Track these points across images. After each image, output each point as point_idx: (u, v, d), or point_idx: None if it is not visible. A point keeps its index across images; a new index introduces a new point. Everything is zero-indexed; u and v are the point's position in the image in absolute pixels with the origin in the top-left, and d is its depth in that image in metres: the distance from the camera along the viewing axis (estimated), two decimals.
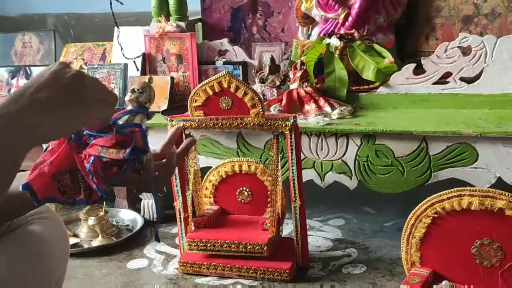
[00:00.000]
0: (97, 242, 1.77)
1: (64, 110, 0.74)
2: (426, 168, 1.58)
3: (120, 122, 0.93)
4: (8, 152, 0.71)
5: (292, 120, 1.47)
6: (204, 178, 1.70)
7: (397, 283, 1.44)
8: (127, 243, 1.78)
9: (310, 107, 1.73)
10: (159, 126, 1.78)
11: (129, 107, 1.07)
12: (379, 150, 1.61)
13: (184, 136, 1.55)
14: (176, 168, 1.54)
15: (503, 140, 1.50)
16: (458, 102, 1.71)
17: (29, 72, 2.22)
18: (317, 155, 1.67)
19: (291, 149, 1.48)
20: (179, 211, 1.62)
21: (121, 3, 2.00)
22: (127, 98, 1.06)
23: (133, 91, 1.05)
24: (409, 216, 1.34)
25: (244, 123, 1.49)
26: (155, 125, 1.79)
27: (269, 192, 1.56)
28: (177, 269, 1.59)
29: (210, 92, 1.50)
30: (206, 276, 1.55)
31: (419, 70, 1.76)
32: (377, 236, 1.76)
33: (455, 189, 1.28)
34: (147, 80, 1.03)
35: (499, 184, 1.55)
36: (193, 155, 1.59)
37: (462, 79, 1.71)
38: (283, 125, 1.47)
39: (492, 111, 1.66)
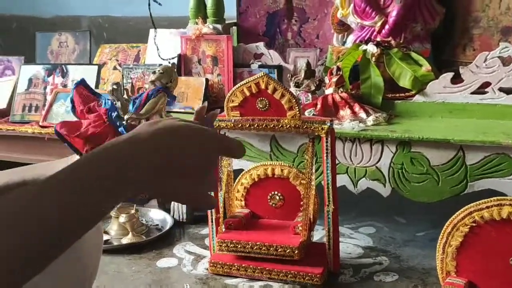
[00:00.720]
0: (127, 239, 1.78)
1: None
2: (462, 178, 1.56)
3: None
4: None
5: (328, 124, 1.46)
6: (236, 181, 1.70)
7: None
8: (156, 242, 1.78)
9: (345, 112, 1.72)
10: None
11: (151, 88, 1.08)
12: (414, 158, 1.60)
13: None
14: None
15: None
16: (496, 113, 1.68)
17: (65, 70, 2.25)
18: (351, 160, 1.66)
19: (327, 152, 1.48)
20: (211, 212, 1.61)
21: (159, 3, 2.02)
22: (149, 79, 1.08)
23: (154, 72, 1.06)
24: (446, 224, 1.32)
25: (280, 125, 1.48)
26: None
27: (302, 196, 1.55)
28: (207, 269, 1.59)
29: (247, 93, 1.50)
30: (236, 277, 1.54)
31: (456, 79, 1.74)
32: (408, 245, 1.74)
33: (494, 198, 1.26)
34: (170, 65, 1.05)
35: None
36: None
37: (501, 89, 1.68)
38: (320, 128, 1.46)
39: None
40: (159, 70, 0.99)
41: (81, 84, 1.32)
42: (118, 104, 1.30)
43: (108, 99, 1.31)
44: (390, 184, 1.64)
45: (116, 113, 1.22)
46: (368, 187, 1.67)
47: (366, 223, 1.91)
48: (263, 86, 1.48)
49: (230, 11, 2.23)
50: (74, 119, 1.45)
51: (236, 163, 1.74)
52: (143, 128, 0.67)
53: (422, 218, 1.91)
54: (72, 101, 1.34)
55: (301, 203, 1.54)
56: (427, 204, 1.87)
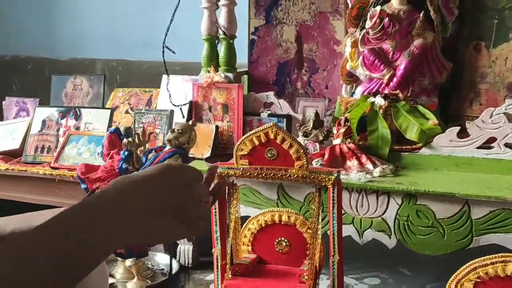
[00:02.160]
0: (132, 284, 1.78)
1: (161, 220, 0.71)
2: (467, 232, 1.57)
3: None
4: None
5: (335, 175, 1.48)
6: (244, 226, 1.71)
7: None
8: (162, 287, 1.78)
9: (352, 163, 1.74)
10: (203, 173, 1.81)
11: (168, 147, 1.12)
12: (420, 211, 1.61)
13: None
14: (217, 215, 1.58)
15: None
16: (502, 168, 1.70)
17: (78, 113, 2.30)
18: (357, 211, 1.68)
19: (333, 203, 1.49)
20: (217, 258, 1.62)
21: (173, 52, 2.07)
22: (167, 137, 1.11)
23: (173, 131, 1.09)
24: (450, 279, 1.32)
25: (288, 174, 1.51)
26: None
27: (308, 245, 1.56)
28: None
29: (256, 142, 1.53)
30: None
31: (462, 133, 1.77)
32: None
33: (499, 254, 1.26)
34: (190, 123, 1.07)
35: None
36: (234, 203, 1.61)
37: (506, 145, 1.71)
38: (327, 179, 1.48)
39: None
40: (178, 130, 1.02)
41: (114, 132, 1.40)
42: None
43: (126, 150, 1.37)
44: (396, 236, 1.65)
45: (126, 165, 1.27)
46: (374, 238, 1.68)
47: (371, 274, 1.91)
48: (272, 136, 1.51)
49: (242, 58, 2.28)
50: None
51: (244, 210, 1.76)
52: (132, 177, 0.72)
53: (427, 270, 1.91)
54: (103, 145, 1.44)
55: (307, 252, 1.55)
56: (432, 257, 1.88)
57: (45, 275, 0.63)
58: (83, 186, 1.43)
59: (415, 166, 1.79)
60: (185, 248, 1.95)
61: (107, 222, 0.68)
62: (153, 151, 1.32)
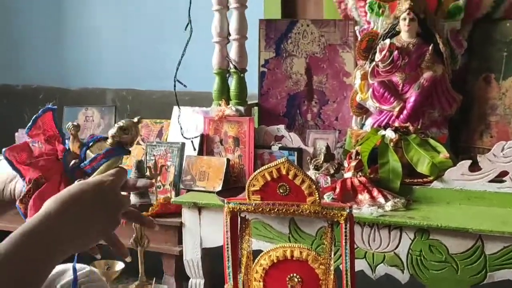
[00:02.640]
0: None
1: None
2: (481, 268, 1.56)
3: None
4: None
5: (348, 210, 1.48)
6: (255, 262, 1.70)
7: None
8: None
9: (364, 197, 1.74)
10: (215, 207, 1.81)
11: (108, 145, 1.10)
12: (433, 245, 1.60)
13: (239, 219, 1.58)
14: (229, 250, 1.58)
15: None
16: None
17: None
18: (369, 246, 1.67)
19: (346, 239, 1.48)
20: None
21: (185, 85, 2.09)
22: (110, 132, 1.09)
23: (119, 129, 1.08)
24: None
25: (300, 210, 1.50)
26: (210, 205, 1.83)
27: (320, 281, 1.55)
28: None
29: (268, 178, 1.53)
30: None
31: (474, 166, 1.77)
32: None
33: None
34: (136, 120, 1.06)
35: None
36: (246, 238, 1.61)
37: None
38: (339, 215, 1.48)
39: None
40: (123, 127, 1.01)
41: (53, 111, 1.30)
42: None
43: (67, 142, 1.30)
44: (409, 270, 1.64)
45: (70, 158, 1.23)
46: (386, 272, 1.67)
47: None
48: (284, 172, 1.51)
49: (252, 89, 2.30)
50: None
51: (255, 244, 1.76)
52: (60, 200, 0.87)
53: None
54: (34, 120, 1.31)
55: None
56: None
57: None
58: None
59: (426, 200, 1.78)
60: (196, 282, 1.95)
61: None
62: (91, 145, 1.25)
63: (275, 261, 1.70)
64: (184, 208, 1.92)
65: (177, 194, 2.10)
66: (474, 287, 1.58)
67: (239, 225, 1.61)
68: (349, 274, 1.50)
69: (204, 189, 1.98)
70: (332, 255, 1.55)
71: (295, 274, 1.68)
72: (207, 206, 1.86)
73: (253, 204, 1.56)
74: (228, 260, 1.60)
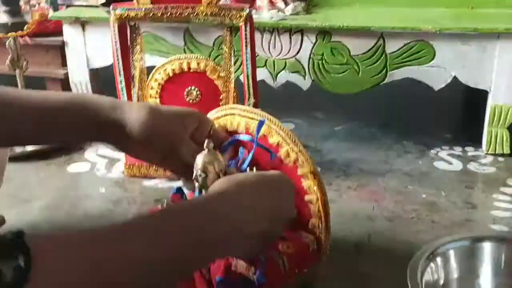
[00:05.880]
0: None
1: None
2: (382, 67, 1.54)
3: None
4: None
5: (247, 10, 1.36)
6: (150, 77, 1.58)
7: (352, 182, 1.42)
8: (65, 148, 1.66)
9: (262, 2, 1.63)
10: (100, 21, 1.64)
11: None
12: (334, 48, 1.55)
13: (129, 29, 1.43)
14: (119, 63, 1.44)
15: (462, 38, 1.47)
16: (414, 1, 1.66)
17: None
18: (270, 53, 1.59)
19: (246, 42, 1.39)
20: None
21: None
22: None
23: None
24: None
25: (196, 12, 1.37)
26: (95, 20, 1.65)
27: (221, 90, 1.48)
28: (123, 172, 1.50)
29: None
30: (154, 178, 1.47)
31: None
32: (328, 140, 1.72)
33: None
34: None
35: (454, 84, 1.54)
36: (138, 49, 1.47)
37: None
38: (238, 16, 1.36)
39: (449, 9, 1.62)
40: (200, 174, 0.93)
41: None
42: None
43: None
44: (310, 76, 1.59)
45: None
46: (288, 80, 1.62)
47: (284, 119, 1.87)
48: None
49: None
50: None
51: (148, 59, 1.63)
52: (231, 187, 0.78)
53: (338, 113, 1.90)
54: None
55: (220, 97, 1.47)
56: (342, 100, 1.87)
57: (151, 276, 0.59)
58: None
59: (327, 3, 1.70)
60: None
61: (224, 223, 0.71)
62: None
63: (171, 75, 1.58)
64: (65, 25, 1.71)
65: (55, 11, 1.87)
66: (375, 87, 1.57)
67: (129, 36, 1.46)
68: (250, 80, 1.42)
69: (87, 3, 1.76)
70: (233, 62, 1.45)
71: (193, 87, 1.59)
72: (91, 21, 1.67)
73: (143, 9, 1.40)
74: (120, 74, 1.46)
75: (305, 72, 1.59)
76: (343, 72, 1.56)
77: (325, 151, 1.64)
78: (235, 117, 1.05)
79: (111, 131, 0.93)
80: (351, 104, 1.94)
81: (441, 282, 0.89)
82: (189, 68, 1.55)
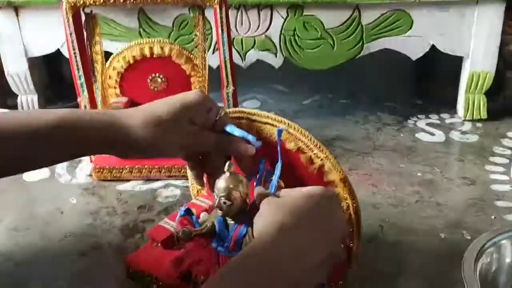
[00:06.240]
0: None
1: None
2: (358, 40, 1.46)
3: None
4: None
5: None
6: (107, 65, 1.42)
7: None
8: None
9: None
10: (36, 4, 1.44)
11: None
12: (307, 22, 1.45)
13: (84, 16, 1.25)
14: (77, 56, 1.27)
15: (440, 5, 1.41)
16: None
17: None
18: (237, 31, 1.47)
19: (222, 26, 1.26)
20: (85, 107, 1.34)
21: None
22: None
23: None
24: None
25: None
26: (31, 3, 1.45)
27: (190, 78, 1.35)
28: (90, 175, 1.35)
29: None
30: (129, 180, 1.33)
31: None
32: (300, 116, 1.64)
33: None
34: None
35: (432, 52, 1.50)
36: (97, 39, 1.30)
37: None
38: None
39: None
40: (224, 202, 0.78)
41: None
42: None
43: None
44: (282, 53, 1.49)
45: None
46: (258, 59, 1.51)
47: (246, 96, 1.77)
48: None
49: None
50: None
51: None
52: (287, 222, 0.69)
53: (303, 86, 1.82)
54: None
55: (194, 86, 1.34)
56: (304, 73, 1.77)
57: None
58: None
59: None
60: (27, 98, 1.62)
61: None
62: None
63: (131, 62, 1.42)
64: None
65: None
66: (351, 61, 1.49)
67: (84, 24, 1.29)
68: (228, 65, 1.30)
69: None
70: (207, 47, 1.32)
71: (157, 74, 1.44)
72: (25, 5, 1.47)
73: None
74: (78, 69, 1.29)
75: (276, 50, 1.48)
76: (317, 47, 1.47)
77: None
78: (242, 122, 0.94)
79: (117, 144, 0.81)
80: (314, 76, 1.86)
81: (493, 269, 0.86)
82: (151, 54, 1.41)
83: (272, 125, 0.91)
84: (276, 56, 1.49)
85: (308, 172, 0.90)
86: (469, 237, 1.05)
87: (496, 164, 1.33)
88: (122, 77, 1.44)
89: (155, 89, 1.45)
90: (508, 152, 1.39)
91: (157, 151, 0.84)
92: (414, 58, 1.48)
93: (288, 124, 0.90)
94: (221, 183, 0.80)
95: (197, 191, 1.09)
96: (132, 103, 1.45)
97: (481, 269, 0.83)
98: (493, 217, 1.12)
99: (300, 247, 0.66)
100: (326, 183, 0.89)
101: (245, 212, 0.82)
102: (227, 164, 0.80)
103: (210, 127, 0.85)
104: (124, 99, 1.43)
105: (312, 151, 0.88)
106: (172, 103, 0.83)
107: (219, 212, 0.81)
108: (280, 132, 0.87)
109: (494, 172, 1.30)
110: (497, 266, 0.87)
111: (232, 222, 0.82)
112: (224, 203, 0.79)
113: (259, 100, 1.74)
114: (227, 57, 1.29)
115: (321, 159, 0.88)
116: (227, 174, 0.80)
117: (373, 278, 0.95)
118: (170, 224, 0.98)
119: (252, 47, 1.48)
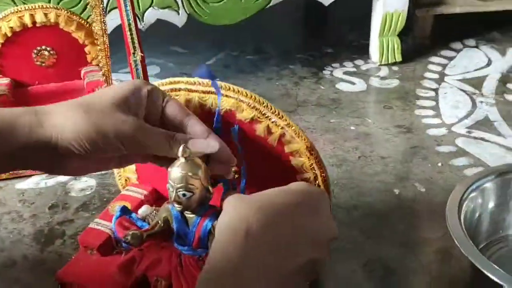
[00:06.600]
0: None
1: None
2: None
3: None
4: None
5: None
6: None
7: None
8: None
9: None
10: None
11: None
12: None
13: None
14: None
15: None
16: None
17: None
18: None
19: None
20: None
21: None
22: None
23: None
24: None
25: None
26: None
27: (83, 43, 1.15)
28: None
29: None
30: (30, 176, 1.12)
31: None
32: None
33: None
34: None
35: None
36: None
37: None
38: None
39: None
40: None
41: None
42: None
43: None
44: (185, 10, 1.32)
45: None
46: (158, 18, 1.33)
47: (148, 60, 1.58)
48: None
49: None
50: None
51: None
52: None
53: (204, 45, 1.66)
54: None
55: (88, 56, 1.15)
56: (203, 30, 1.62)
57: None
58: None
59: None
60: None
61: None
62: None
63: (9, 34, 1.19)
64: None
65: None
66: (260, 12, 1.37)
67: None
68: (133, 31, 1.11)
69: None
70: (106, 11, 1.13)
71: (43, 46, 1.22)
72: None
73: None
74: None
75: (178, 6, 1.31)
76: (224, 0, 1.32)
77: None
78: (180, 93, 0.78)
79: (37, 156, 0.62)
80: (214, 33, 1.70)
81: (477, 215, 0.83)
82: (34, 22, 1.18)
83: (216, 94, 0.77)
84: (178, 13, 1.32)
85: (268, 144, 0.77)
86: (423, 190, 1.00)
87: (424, 107, 1.29)
88: (1, 54, 1.20)
89: (43, 64, 1.22)
90: (431, 93, 1.35)
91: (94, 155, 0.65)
92: (326, 3, 1.38)
93: (234, 89, 0.76)
94: (176, 171, 0.65)
95: (125, 180, 0.93)
96: (15, 84, 1.22)
97: (465, 216, 0.78)
98: (439, 164, 1.07)
99: (272, 254, 0.54)
100: (289, 154, 0.77)
101: (208, 202, 0.68)
102: (180, 148, 0.65)
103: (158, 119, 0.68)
104: (5, 80, 1.20)
105: (270, 119, 0.76)
106: (101, 94, 0.65)
107: (178, 207, 0.66)
108: (235, 131, 0.74)
109: (426, 116, 1.25)
110: (481, 211, 0.83)
111: (193, 215, 0.68)
112: (184, 195, 0.64)
113: (158, 65, 1.56)
114: (131, 19, 1.10)
115: (282, 127, 0.76)
116: (182, 160, 0.65)
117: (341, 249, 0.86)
118: (103, 225, 0.82)
119: (150, 6, 1.30)
